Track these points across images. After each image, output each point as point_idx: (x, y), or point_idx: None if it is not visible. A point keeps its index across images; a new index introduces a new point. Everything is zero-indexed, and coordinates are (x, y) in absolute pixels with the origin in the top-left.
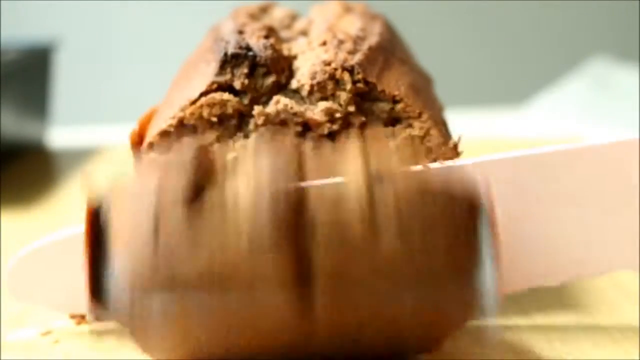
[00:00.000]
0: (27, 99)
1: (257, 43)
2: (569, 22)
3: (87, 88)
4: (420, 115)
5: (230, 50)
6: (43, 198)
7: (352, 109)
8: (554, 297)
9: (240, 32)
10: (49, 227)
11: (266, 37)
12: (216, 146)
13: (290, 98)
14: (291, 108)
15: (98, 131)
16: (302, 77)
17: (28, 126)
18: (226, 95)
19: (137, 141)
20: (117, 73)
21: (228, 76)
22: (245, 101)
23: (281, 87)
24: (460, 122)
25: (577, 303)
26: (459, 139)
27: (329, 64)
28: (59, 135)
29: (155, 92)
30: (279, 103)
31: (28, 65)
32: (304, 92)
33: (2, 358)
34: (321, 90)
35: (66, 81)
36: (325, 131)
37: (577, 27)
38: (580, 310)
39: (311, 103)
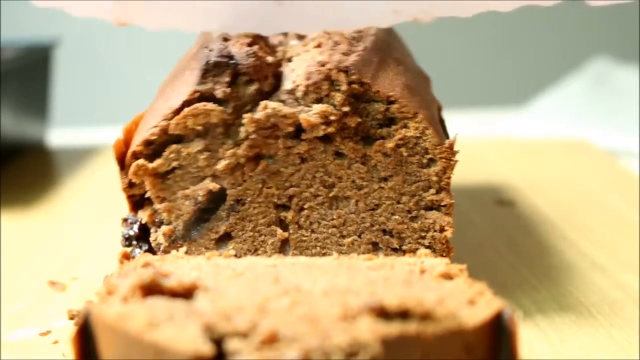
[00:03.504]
0: (27, 99)
1: (239, 51)
2: (570, 23)
3: (87, 89)
4: (415, 115)
5: (212, 58)
6: (43, 197)
7: (346, 109)
8: (554, 297)
9: (225, 40)
10: (49, 227)
11: (250, 44)
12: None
13: (285, 100)
14: (279, 111)
15: (97, 131)
16: (298, 78)
17: (28, 126)
18: (210, 105)
19: (123, 149)
20: (116, 74)
21: (209, 85)
22: (229, 110)
23: (264, 96)
24: (463, 122)
25: (577, 303)
26: (455, 138)
27: (324, 64)
28: (59, 135)
29: (153, 93)
30: (267, 107)
31: (28, 65)
32: (299, 93)
33: (2, 358)
34: (316, 90)
35: (66, 82)
36: (321, 133)
37: (577, 28)
38: (580, 310)
39: (306, 105)
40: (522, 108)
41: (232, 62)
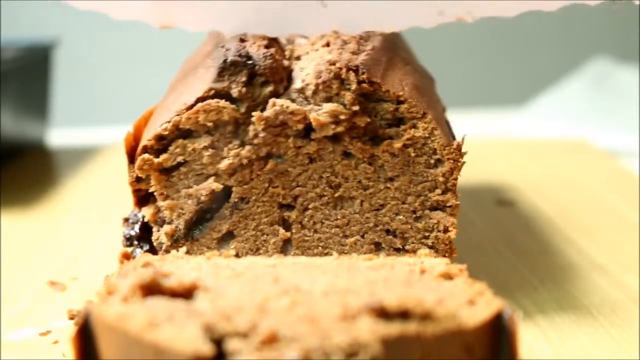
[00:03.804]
0: (27, 99)
1: (257, 52)
2: (570, 23)
3: (87, 89)
4: (424, 115)
5: (230, 57)
6: (43, 197)
7: (356, 108)
8: (554, 298)
9: (242, 40)
10: (49, 227)
11: (267, 46)
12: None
13: (294, 99)
14: (287, 107)
15: (97, 131)
16: (307, 77)
17: (28, 126)
18: (223, 102)
19: (132, 143)
20: (116, 74)
21: (226, 83)
22: (242, 109)
23: (278, 97)
24: (464, 122)
25: (578, 303)
26: (463, 139)
27: (333, 63)
28: (59, 135)
29: (153, 93)
30: (275, 105)
31: (28, 65)
32: (309, 92)
33: (2, 358)
34: (326, 89)
35: (66, 82)
36: (330, 133)
37: (577, 28)
38: (581, 311)
39: (315, 103)
40: (522, 108)
41: (249, 62)
